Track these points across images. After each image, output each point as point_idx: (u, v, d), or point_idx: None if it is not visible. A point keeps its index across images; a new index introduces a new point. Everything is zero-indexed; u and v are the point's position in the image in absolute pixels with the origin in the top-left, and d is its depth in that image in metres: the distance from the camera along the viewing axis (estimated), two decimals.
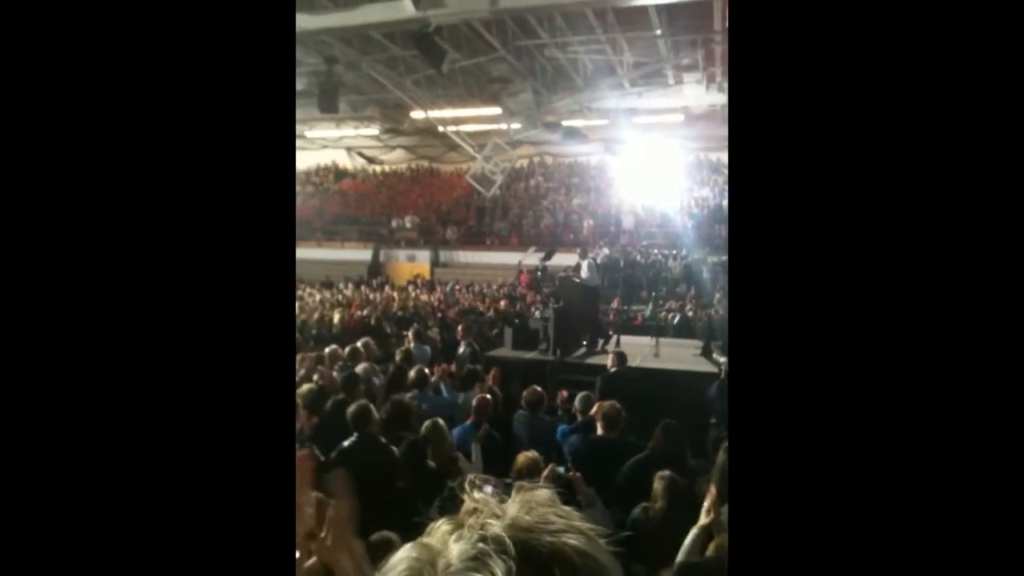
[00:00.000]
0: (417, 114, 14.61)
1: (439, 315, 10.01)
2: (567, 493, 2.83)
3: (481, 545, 0.49)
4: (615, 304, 10.74)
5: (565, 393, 5.25)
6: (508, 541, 0.49)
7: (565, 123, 14.13)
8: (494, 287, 13.53)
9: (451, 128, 14.17)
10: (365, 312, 9.22)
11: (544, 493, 0.56)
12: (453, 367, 5.80)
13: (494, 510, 0.53)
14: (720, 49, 10.53)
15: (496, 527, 0.50)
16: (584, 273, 7.81)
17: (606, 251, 13.25)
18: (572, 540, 0.51)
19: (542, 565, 0.49)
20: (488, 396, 4.30)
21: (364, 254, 17.93)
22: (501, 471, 3.22)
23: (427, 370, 5.04)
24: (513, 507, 0.53)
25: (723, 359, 6.32)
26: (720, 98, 12.81)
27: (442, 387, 4.97)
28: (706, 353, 7.37)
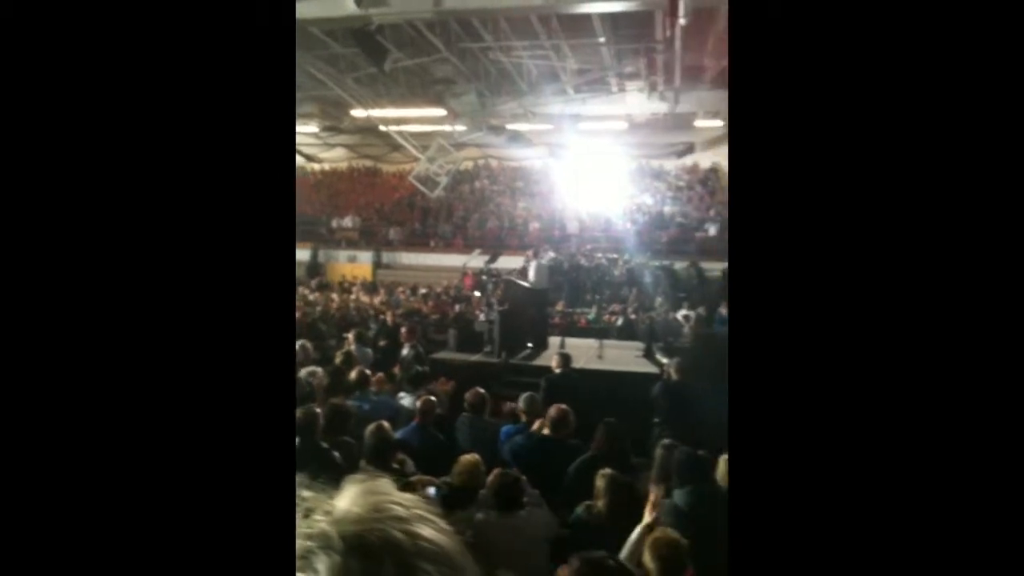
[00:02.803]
0: (358, 112, 14.30)
1: (381, 317, 9.79)
2: (515, 493, 2.80)
3: (307, 543, 0.49)
4: (560, 307, 10.82)
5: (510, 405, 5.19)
6: (334, 535, 0.49)
7: (510, 127, 14.17)
8: (437, 290, 13.39)
9: (393, 128, 13.96)
10: (301, 314, 8.92)
11: (379, 482, 0.56)
12: (396, 369, 5.71)
13: (324, 507, 0.53)
14: (662, 58, 10.79)
15: (323, 523, 0.50)
16: (531, 275, 7.82)
17: (551, 254, 13.36)
18: (407, 527, 0.50)
19: (371, 554, 0.48)
20: (432, 398, 4.23)
21: (302, 254, 17.41)
22: (444, 473, 3.17)
23: (368, 372, 4.93)
24: (342, 500, 0.53)
25: (665, 360, 6.45)
26: (662, 107, 13.13)
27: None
28: (648, 355, 7.51)
